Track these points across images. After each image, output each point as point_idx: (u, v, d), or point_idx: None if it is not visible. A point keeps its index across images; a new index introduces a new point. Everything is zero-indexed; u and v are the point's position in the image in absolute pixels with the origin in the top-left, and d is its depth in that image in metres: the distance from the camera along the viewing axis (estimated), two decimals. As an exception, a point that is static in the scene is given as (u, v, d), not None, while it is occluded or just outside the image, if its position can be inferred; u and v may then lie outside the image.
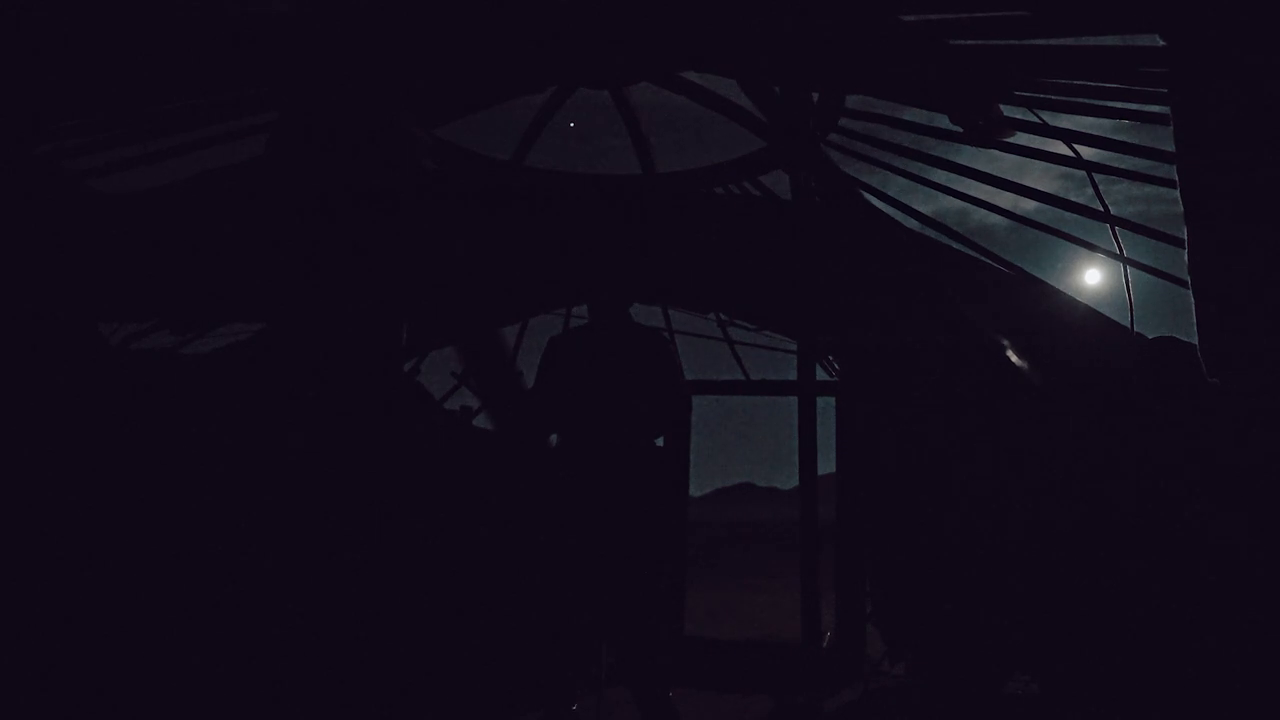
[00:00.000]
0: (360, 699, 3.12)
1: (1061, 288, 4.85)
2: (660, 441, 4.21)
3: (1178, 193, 2.71)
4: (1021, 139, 3.81)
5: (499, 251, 5.17)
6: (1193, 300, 2.68)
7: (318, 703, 4.05)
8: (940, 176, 4.46)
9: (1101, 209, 4.28)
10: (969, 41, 3.15)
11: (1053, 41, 3.15)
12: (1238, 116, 2.49)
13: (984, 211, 4.81)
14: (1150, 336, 4.70)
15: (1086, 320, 4.77)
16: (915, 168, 4.52)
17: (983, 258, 4.90)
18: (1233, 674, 3.55)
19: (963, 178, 4.46)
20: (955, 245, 4.87)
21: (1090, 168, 4.10)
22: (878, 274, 4.85)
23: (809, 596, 5.31)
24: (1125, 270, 4.49)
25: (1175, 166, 2.73)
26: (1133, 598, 4.31)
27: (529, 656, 4.27)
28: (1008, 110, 3.66)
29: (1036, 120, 3.79)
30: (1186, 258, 2.64)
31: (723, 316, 6.07)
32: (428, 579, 4.84)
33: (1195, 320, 2.67)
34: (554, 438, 4.06)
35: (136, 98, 3.40)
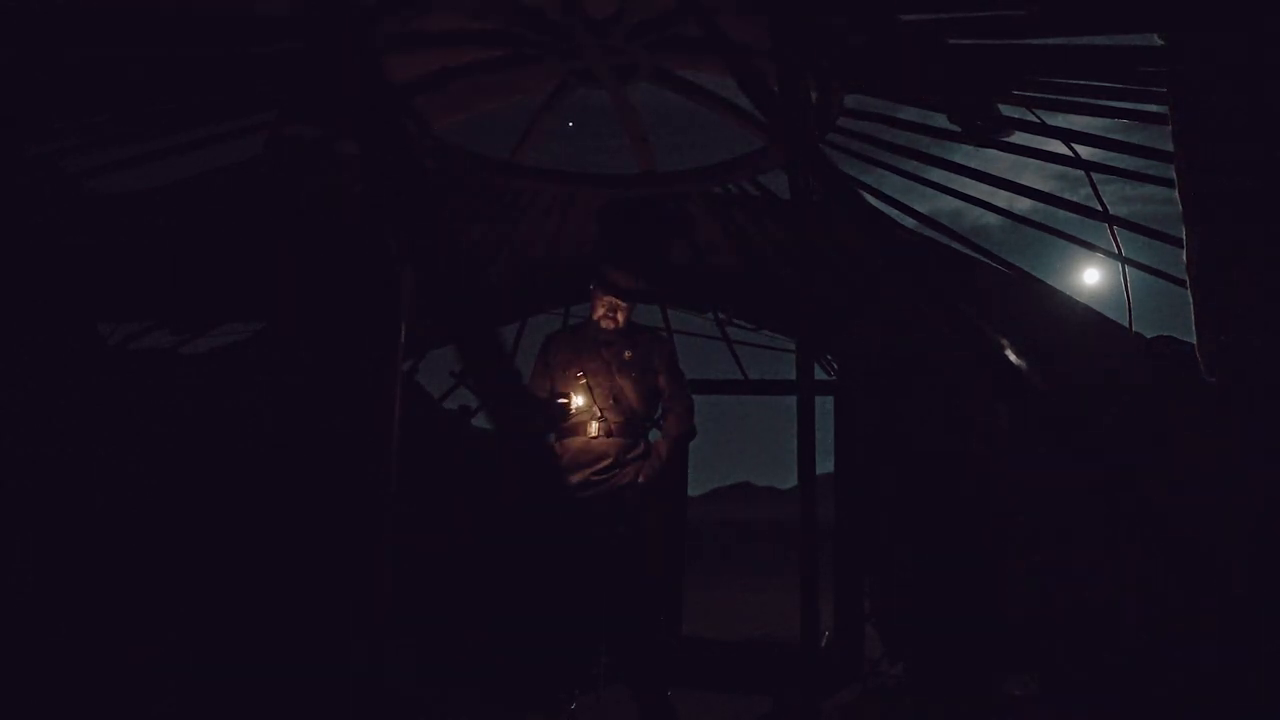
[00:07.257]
0: (360, 698, 3.12)
1: (1059, 287, 4.86)
2: (653, 437, 4.20)
3: (1175, 193, 2.71)
4: (1019, 138, 3.81)
5: (497, 251, 5.18)
6: (1192, 300, 2.68)
7: (316, 702, 4.05)
8: (938, 176, 4.45)
9: (1100, 208, 4.28)
10: (969, 41, 3.15)
11: (1052, 41, 3.15)
12: (1237, 117, 2.50)
13: (979, 211, 4.82)
14: (1149, 336, 4.71)
15: (1085, 320, 4.78)
16: (912, 167, 4.52)
17: (981, 257, 4.90)
18: (1234, 675, 3.55)
19: (960, 177, 4.45)
20: (954, 245, 4.87)
21: (1089, 167, 4.10)
22: (877, 274, 4.85)
23: (808, 596, 5.31)
24: (1124, 270, 4.49)
25: (1174, 166, 2.73)
26: (1131, 598, 4.32)
27: (529, 656, 4.27)
28: (1006, 110, 3.66)
29: (1035, 120, 3.79)
30: (1186, 258, 2.64)
31: (721, 316, 6.07)
32: (427, 578, 4.84)
33: (1194, 320, 2.67)
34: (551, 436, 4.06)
35: (136, 98, 3.40)
